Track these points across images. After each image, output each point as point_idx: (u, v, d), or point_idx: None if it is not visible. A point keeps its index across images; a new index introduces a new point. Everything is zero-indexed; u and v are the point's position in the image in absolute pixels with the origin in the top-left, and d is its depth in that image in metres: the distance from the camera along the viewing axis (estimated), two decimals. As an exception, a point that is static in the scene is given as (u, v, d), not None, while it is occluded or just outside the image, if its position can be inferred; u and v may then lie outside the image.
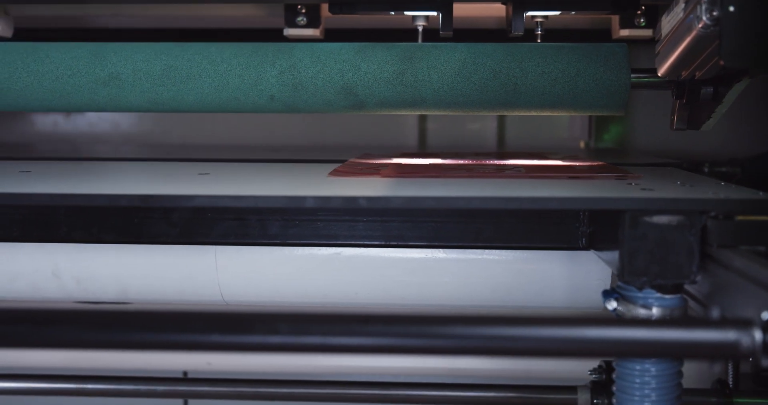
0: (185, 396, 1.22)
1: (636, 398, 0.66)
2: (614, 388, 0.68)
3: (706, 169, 1.14)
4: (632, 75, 0.91)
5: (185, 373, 1.27)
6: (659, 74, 0.84)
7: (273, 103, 0.92)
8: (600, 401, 0.88)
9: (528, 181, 0.79)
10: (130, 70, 0.91)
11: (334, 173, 0.82)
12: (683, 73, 0.82)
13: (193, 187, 0.73)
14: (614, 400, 0.68)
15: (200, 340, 0.49)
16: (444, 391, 1.00)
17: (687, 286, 0.66)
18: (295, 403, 1.24)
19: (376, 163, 0.94)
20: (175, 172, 0.86)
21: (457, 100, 0.91)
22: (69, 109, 0.95)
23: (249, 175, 0.84)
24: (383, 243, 0.79)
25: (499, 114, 0.90)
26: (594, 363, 0.90)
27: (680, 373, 0.67)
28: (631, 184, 0.74)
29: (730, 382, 0.97)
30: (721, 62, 0.65)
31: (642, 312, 0.65)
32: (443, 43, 0.93)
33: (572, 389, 0.94)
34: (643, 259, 0.63)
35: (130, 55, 0.92)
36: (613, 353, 0.57)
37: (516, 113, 0.93)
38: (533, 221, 0.77)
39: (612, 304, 0.66)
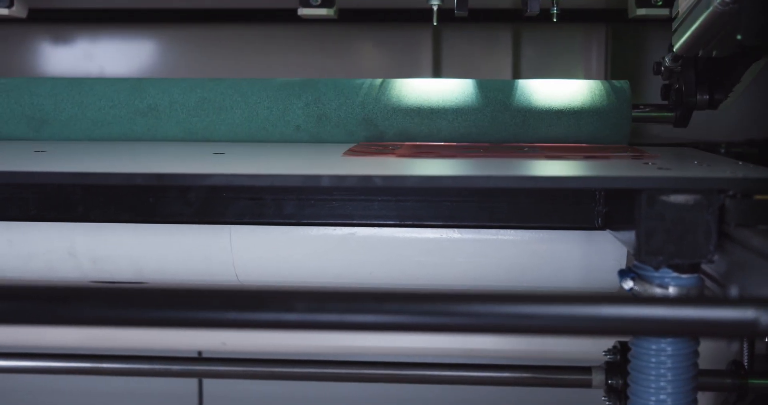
0: (200, 375, 1.22)
1: (651, 378, 0.66)
2: (629, 368, 0.68)
3: (722, 150, 1.12)
4: (634, 111, 0.94)
5: (200, 353, 1.28)
6: (675, 51, 0.84)
7: (299, 133, 0.98)
8: (614, 382, 0.88)
9: (544, 160, 0.78)
10: (167, 101, 0.97)
11: (349, 153, 0.82)
12: (700, 51, 0.81)
13: (208, 166, 0.73)
14: (629, 380, 0.68)
15: (216, 317, 0.49)
16: (459, 371, 1.00)
17: (704, 266, 0.65)
18: (309, 383, 1.30)
19: (390, 144, 0.94)
20: (190, 151, 0.86)
21: (470, 131, 0.95)
22: (109, 139, 1.00)
23: (264, 155, 0.84)
24: (398, 222, 0.78)
25: (510, 145, 0.92)
26: (609, 343, 0.90)
27: (696, 353, 0.67)
28: (647, 163, 0.74)
29: (745, 363, 0.97)
30: (740, 39, 0.65)
31: (658, 291, 0.65)
32: (457, 80, 0.97)
33: (587, 370, 0.94)
34: (660, 238, 0.63)
35: (167, 89, 0.98)
36: (630, 331, 0.57)
37: (525, 144, 0.95)
38: (549, 201, 0.77)
39: (628, 284, 0.66)
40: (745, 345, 0.98)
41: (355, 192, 0.77)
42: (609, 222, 0.76)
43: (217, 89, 0.97)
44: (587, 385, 0.93)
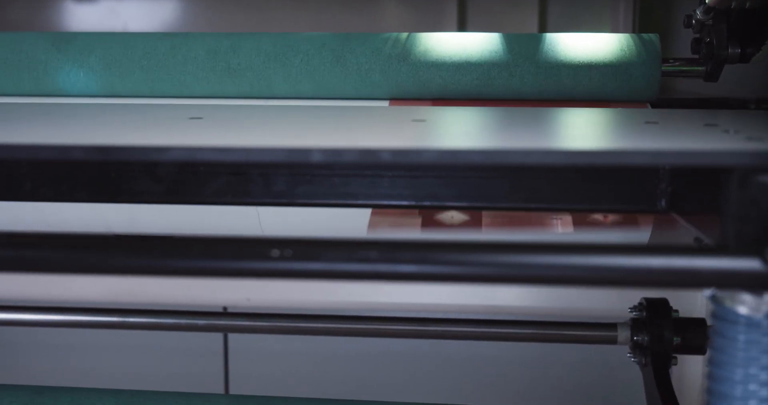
0: (225, 330, 1.21)
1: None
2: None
3: (752, 106, 1.00)
4: (663, 65, 0.87)
5: (225, 308, 1.29)
6: (707, 3, 0.79)
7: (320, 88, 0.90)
8: (640, 338, 0.87)
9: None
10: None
11: None
12: (732, 2, 0.77)
13: (177, 134, 0.59)
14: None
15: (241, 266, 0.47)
16: (481, 327, 0.97)
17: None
18: (333, 338, 1.31)
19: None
20: (160, 115, 0.71)
21: (494, 85, 0.87)
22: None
23: (250, 119, 0.69)
24: (414, 203, 0.64)
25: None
26: (634, 300, 0.90)
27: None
28: (728, 131, 0.59)
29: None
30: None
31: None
32: (481, 34, 0.89)
33: (612, 326, 0.91)
34: (754, 227, 0.48)
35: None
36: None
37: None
38: (599, 177, 0.63)
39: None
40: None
41: (360, 166, 0.63)
42: (676, 203, 0.61)
43: (227, 43, 0.89)
44: (612, 341, 0.91)
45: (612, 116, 0.70)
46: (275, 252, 0.47)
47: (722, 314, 0.50)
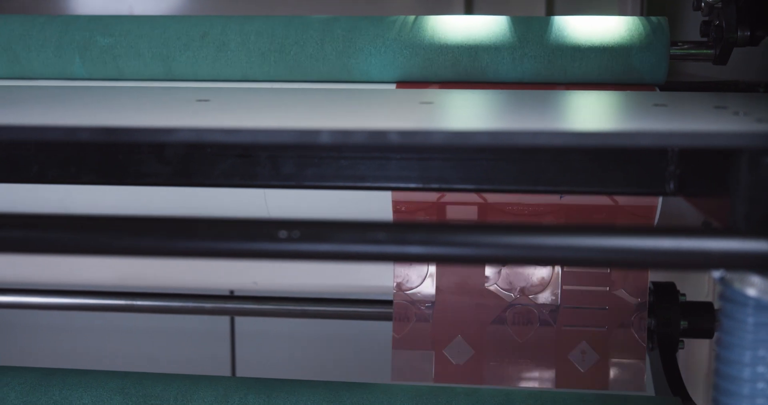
0: (232, 313, 1.21)
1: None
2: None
3: (761, 90, 1.00)
4: (672, 48, 0.86)
5: (232, 292, 1.30)
6: None
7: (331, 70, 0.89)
8: (648, 322, 0.85)
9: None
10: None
11: None
12: None
13: (184, 116, 0.58)
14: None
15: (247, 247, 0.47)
16: None
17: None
18: (339, 322, 1.24)
19: None
20: (167, 97, 0.71)
21: (499, 69, 0.86)
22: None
23: (257, 102, 0.69)
24: (421, 186, 0.64)
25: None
26: None
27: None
28: (738, 113, 0.58)
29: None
30: None
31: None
32: (487, 17, 0.88)
33: None
34: (764, 208, 0.48)
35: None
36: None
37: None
38: (607, 160, 0.62)
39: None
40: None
41: (368, 148, 0.63)
42: (684, 186, 0.61)
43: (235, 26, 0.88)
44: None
45: (620, 99, 0.70)
46: (283, 233, 0.47)
47: (731, 296, 0.50)
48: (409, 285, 0.86)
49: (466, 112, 0.62)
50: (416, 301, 0.86)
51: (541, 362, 0.83)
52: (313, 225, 0.48)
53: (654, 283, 0.88)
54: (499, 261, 0.47)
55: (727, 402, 0.52)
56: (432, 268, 0.86)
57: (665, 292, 0.87)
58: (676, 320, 0.86)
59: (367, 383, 0.85)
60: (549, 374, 0.83)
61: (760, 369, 0.51)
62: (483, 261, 0.48)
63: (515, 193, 0.66)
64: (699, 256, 0.46)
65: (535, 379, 0.84)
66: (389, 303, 0.97)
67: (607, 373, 0.83)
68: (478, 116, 0.61)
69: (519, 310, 0.84)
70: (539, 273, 0.84)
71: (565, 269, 0.83)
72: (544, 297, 0.83)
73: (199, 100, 0.67)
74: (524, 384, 0.83)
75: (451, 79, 0.87)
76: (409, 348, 0.85)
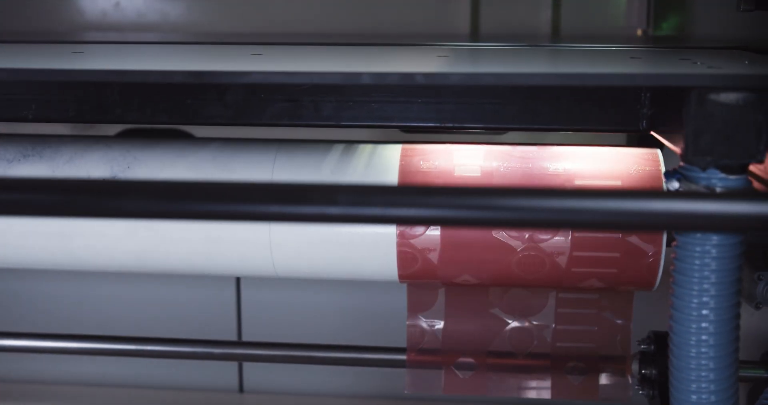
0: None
1: (695, 280, 0.65)
2: (672, 282, 0.67)
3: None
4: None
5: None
6: None
7: None
8: (648, 371, 0.88)
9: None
10: None
11: None
12: None
13: (246, 65, 0.72)
14: (672, 284, 0.67)
15: (259, 210, 0.50)
16: None
17: (752, 168, 0.64)
18: (350, 290, 1.31)
19: None
20: (226, 53, 0.85)
21: None
22: None
23: (302, 56, 0.82)
24: (438, 125, 0.77)
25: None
26: (641, 334, 0.90)
27: (740, 257, 0.66)
28: (696, 63, 0.72)
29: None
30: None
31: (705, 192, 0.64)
32: None
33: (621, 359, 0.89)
34: (709, 138, 0.61)
35: None
36: (677, 226, 0.56)
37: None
38: (592, 102, 0.75)
39: (674, 185, 0.65)
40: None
41: (395, 93, 0.76)
42: (654, 124, 0.74)
43: None
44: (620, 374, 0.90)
45: (604, 53, 0.83)
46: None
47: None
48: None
49: (476, 62, 0.76)
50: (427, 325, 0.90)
51: (537, 375, 0.89)
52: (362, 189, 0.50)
53: (655, 333, 0.89)
54: (519, 224, 0.53)
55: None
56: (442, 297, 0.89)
57: (666, 342, 0.84)
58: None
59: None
60: (545, 385, 0.88)
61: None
62: (493, 224, 0.54)
63: (516, 130, 0.78)
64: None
65: (533, 390, 0.89)
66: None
67: (597, 386, 0.86)
68: (486, 65, 0.75)
69: (518, 330, 0.88)
70: (536, 299, 0.88)
71: (559, 295, 0.87)
72: (540, 318, 0.88)
73: (254, 54, 0.81)
74: (523, 394, 0.89)
75: None
76: (421, 367, 0.89)
